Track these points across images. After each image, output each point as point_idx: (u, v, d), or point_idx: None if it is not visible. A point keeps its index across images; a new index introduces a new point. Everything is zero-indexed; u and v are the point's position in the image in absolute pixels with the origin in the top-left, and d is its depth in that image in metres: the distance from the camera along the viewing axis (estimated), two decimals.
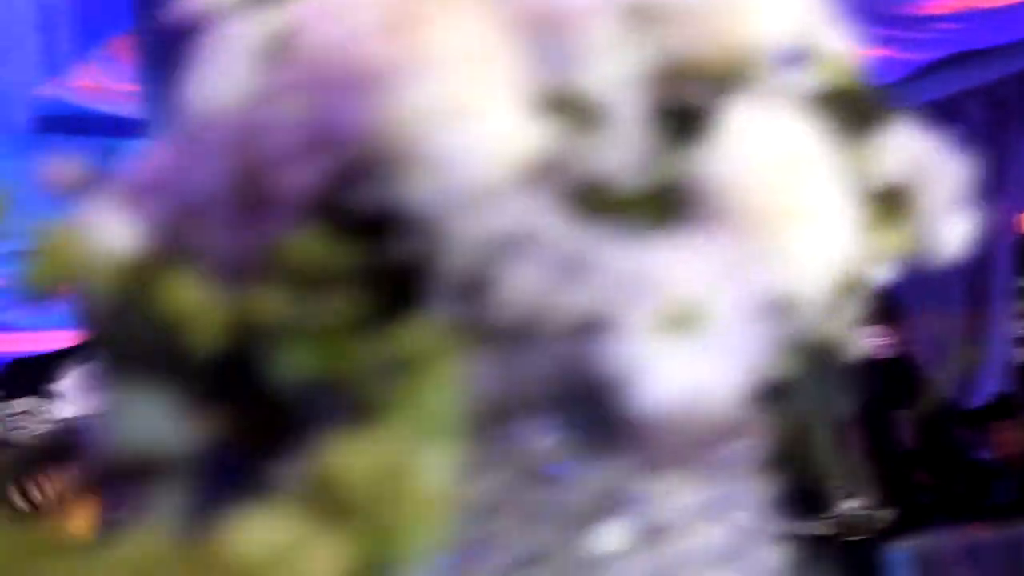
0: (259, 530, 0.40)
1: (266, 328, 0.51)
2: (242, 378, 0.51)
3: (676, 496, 0.58)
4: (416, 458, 0.45)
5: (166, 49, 5.02)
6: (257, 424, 0.51)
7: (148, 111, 5.08)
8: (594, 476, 0.55)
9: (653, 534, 0.58)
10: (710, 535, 0.60)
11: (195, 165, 0.55)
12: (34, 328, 8.33)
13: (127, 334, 0.51)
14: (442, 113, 0.51)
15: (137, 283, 0.51)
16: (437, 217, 0.51)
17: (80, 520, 2.40)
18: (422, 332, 0.51)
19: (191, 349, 0.50)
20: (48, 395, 2.56)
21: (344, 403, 0.50)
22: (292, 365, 0.51)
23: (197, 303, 0.50)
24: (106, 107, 6.03)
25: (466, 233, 0.51)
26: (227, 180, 0.54)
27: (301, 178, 0.53)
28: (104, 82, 5.92)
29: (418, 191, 0.51)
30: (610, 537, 0.58)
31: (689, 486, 0.58)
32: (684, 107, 0.54)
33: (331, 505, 0.42)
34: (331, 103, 0.53)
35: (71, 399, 2.55)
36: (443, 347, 0.50)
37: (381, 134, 0.51)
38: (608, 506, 0.57)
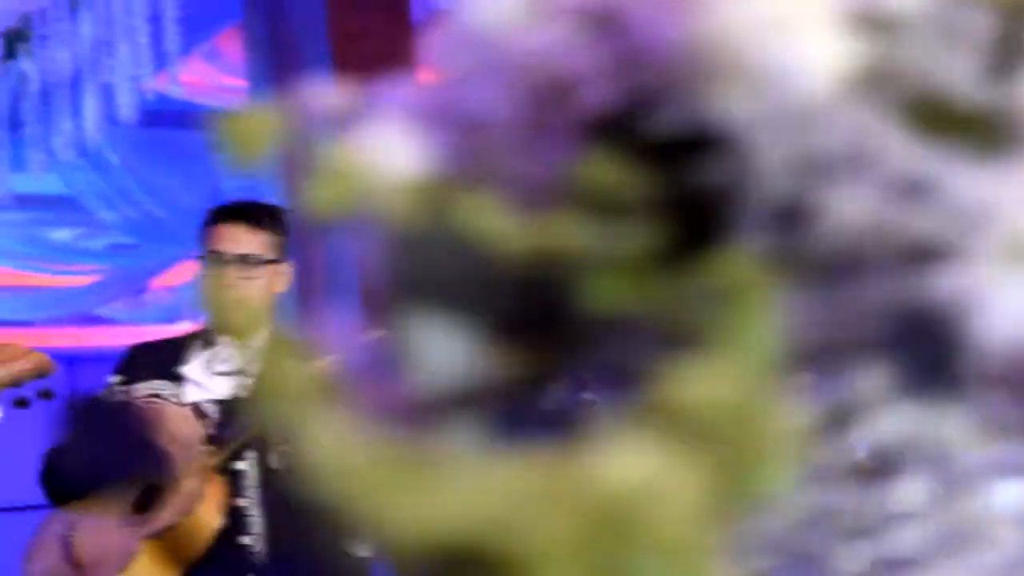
0: (623, 461, 0.37)
1: (569, 256, 0.48)
2: (544, 307, 0.48)
3: (979, 450, 0.54)
4: (760, 390, 0.42)
5: (274, 43, 5.04)
6: (557, 355, 0.48)
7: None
8: (906, 423, 0.51)
9: (948, 491, 0.55)
10: (1007, 494, 0.56)
11: (481, 89, 0.52)
12: (129, 322, 8.44)
13: (421, 261, 0.48)
14: (762, 28, 0.47)
15: (432, 208, 0.48)
16: (751, 138, 0.48)
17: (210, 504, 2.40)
18: (735, 263, 0.47)
19: (493, 276, 0.47)
20: (174, 378, 2.57)
21: (657, 334, 0.47)
22: (597, 295, 0.48)
23: (500, 228, 0.47)
24: (213, 101, 6.07)
25: (785, 154, 0.48)
26: (517, 104, 0.51)
27: (598, 101, 0.50)
28: (211, 77, 5.97)
29: (732, 110, 0.48)
30: (905, 494, 0.54)
31: (991, 439, 0.54)
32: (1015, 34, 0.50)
33: (684, 437, 0.39)
34: (634, 21, 0.49)
35: (197, 382, 2.55)
36: (758, 279, 0.47)
37: (691, 52, 0.48)
38: (909, 459, 0.53)
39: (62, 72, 5.18)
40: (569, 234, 0.48)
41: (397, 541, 0.36)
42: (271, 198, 3.05)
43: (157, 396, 2.56)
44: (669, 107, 0.49)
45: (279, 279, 2.60)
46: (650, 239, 0.49)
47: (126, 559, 2.35)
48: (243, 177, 0.48)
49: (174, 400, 2.51)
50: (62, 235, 7.72)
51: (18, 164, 5.45)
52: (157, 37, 4.88)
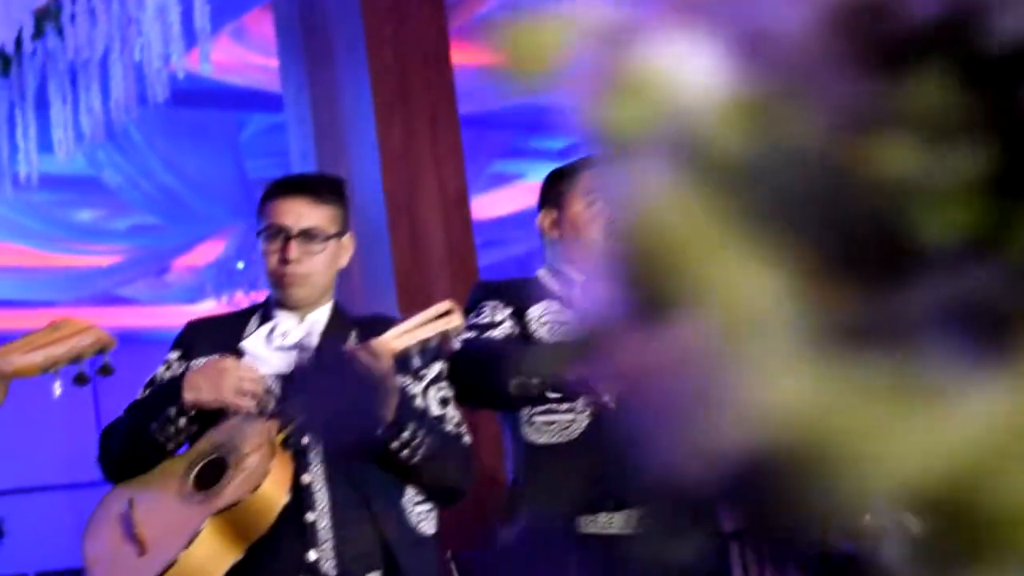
0: None
1: (896, 183, 0.44)
2: (875, 239, 0.44)
3: None
4: None
5: (305, 21, 4.98)
6: (887, 291, 0.44)
7: (284, 85, 5.06)
8: None
9: None
10: None
11: (778, 5, 0.48)
12: (151, 302, 8.40)
13: (743, 185, 0.44)
14: None
15: (757, 128, 0.44)
16: None
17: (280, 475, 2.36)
18: None
19: (824, 203, 0.43)
20: (234, 353, 2.52)
21: (1003, 266, 0.43)
22: (931, 225, 0.44)
23: (834, 152, 0.43)
24: (241, 80, 6.02)
25: None
26: (822, 20, 0.47)
27: (919, 15, 0.46)
28: (240, 56, 5.92)
29: None
30: None
31: None
32: None
33: None
34: None
35: (257, 357, 2.51)
36: None
37: None
38: None
39: (91, 51, 5.13)
40: (895, 159, 0.45)
41: (883, 484, 0.32)
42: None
43: None
44: (1001, 18, 0.45)
45: (342, 252, 2.56)
46: (984, 164, 0.45)
47: (189, 536, 2.31)
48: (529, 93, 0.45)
49: None
50: (85, 216, 7.69)
51: (44, 144, 5.41)
52: (186, 16, 4.82)
